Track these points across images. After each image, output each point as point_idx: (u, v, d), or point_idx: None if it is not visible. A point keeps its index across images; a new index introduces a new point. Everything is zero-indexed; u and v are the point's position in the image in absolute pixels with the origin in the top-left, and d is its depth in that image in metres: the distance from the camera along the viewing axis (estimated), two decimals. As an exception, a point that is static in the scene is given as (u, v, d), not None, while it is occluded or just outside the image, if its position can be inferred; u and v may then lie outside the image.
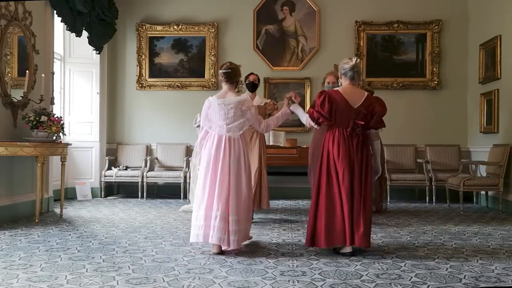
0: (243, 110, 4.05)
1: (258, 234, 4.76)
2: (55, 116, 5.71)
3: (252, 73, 5.93)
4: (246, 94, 4.56)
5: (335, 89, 4.03)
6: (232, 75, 4.15)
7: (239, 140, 4.05)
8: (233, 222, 3.87)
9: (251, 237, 4.34)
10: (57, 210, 6.20)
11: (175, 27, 8.40)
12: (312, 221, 3.88)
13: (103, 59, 8.12)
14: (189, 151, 7.84)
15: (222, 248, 3.93)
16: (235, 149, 4.01)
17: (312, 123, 4.03)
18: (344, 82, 4.01)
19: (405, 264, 3.55)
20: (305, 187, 7.37)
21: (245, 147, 4.12)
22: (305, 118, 4.13)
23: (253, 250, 4.03)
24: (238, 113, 4.03)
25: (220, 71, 4.20)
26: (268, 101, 5.68)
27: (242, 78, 5.02)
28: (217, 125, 4.06)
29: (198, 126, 6.46)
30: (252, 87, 5.74)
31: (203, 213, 3.91)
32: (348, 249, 3.83)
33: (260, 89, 8.03)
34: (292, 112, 4.29)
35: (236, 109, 4.03)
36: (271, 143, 7.55)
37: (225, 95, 4.14)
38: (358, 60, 3.99)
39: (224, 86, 4.18)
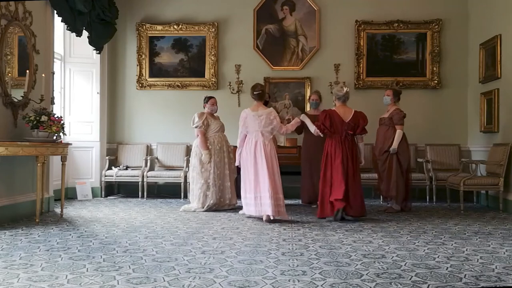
0: (271, 119, 5.63)
1: (259, 233, 4.76)
2: (55, 116, 5.71)
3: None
4: (272, 108, 5.95)
5: (332, 109, 5.80)
6: (262, 95, 5.80)
7: (270, 142, 5.61)
8: (280, 199, 5.48)
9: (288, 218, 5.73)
10: (58, 210, 6.20)
11: (175, 26, 8.40)
12: (321, 199, 5.63)
13: (103, 58, 8.12)
14: (189, 151, 7.83)
15: (271, 218, 5.41)
16: (267, 149, 5.55)
17: (320, 133, 5.73)
18: (337, 103, 5.78)
19: (406, 263, 3.56)
20: (305, 187, 7.36)
21: (274, 147, 5.68)
22: (313, 129, 5.74)
23: (253, 249, 4.03)
24: (268, 121, 5.62)
25: (254, 92, 5.74)
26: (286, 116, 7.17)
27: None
28: (253, 130, 5.62)
29: (197, 126, 6.50)
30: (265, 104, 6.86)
31: (253, 196, 5.51)
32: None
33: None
34: (302, 121, 5.93)
35: (266, 119, 5.62)
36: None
37: (257, 108, 5.71)
38: (348, 89, 5.77)
39: (255, 102, 5.75)
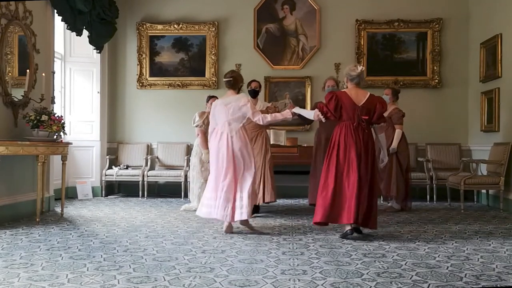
0: (240, 106, 4.77)
1: (259, 232, 4.76)
2: (55, 115, 5.71)
3: (254, 80, 6.27)
4: (244, 94, 5.02)
5: (343, 90, 4.76)
6: (233, 83, 4.90)
7: (239, 133, 4.75)
8: (239, 199, 4.66)
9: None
10: (58, 209, 6.20)
11: (175, 26, 8.39)
12: (320, 201, 4.50)
13: (104, 58, 8.12)
14: (189, 150, 7.83)
15: (231, 222, 4.76)
16: (233, 142, 4.72)
17: (321, 116, 4.68)
18: (349, 85, 4.72)
19: (406, 262, 3.55)
20: (305, 186, 7.37)
21: (245, 140, 4.77)
22: (312, 114, 4.80)
23: (254, 248, 4.03)
24: (236, 108, 4.77)
25: (224, 79, 4.97)
26: (269, 104, 6.08)
27: (245, 83, 5.46)
28: (222, 122, 4.80)
29: (197, 125, 6.49)
30: (254, 93, 6.11)
31: (213, 195, 4.73)
32: (347, 227, 4.45)
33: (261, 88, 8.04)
34: (293, 115, 4.89)
35: (234, 106, 4.78)
36: (271, 142, 7.53)
37: (227, 96, 4.90)
38: (363, 68, 4.71)
39: (228, 91, 4.94)
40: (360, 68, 4.62)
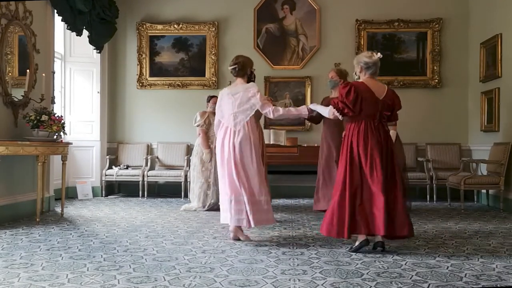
0: (249, 97, 4.29)
1: (259, 233, 4.76)
2: (55, 115, 5.71)
3: None
4: (254, 83, 4.54)
5: (359, 80, 4.05)
6: (240, 69, 4.38)
7: (246, 128, 4.24)
8: (248, 202, 4.18)
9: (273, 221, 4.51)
10: (58, 209, 6.20)
11: (175, 26, 8.39)
12: (337, 212, 3.85)
13: (104, 58, 8.12)
14: (189, 150, 7.84)
15: (242, 227, 4.34)
16: (239, 137, 4.23)
17: (337, 113, 3.99)
18: (363, 76, 4.02)
19: (406, 262, 3.55)
20: (305, 186, 7.39)
21: (253, 134, 4.28)
22: (327, 111, 4.13)
23: (254, 249, 4.03)
24: (244, 99, 4.29)
25: (229, 67, 4.46)
26: (265, 97, 5.74)
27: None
28: (228, 114, 4.33)
29: (198, 125, 6.49)
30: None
31: (226, 198, 4.29)
32: (362, 237, 3.87)
33: (261, 88, 8.04)
34: (311, 112, 4.37)
35: (242, 96, 4.29)
36: (271, 142, 7.54)
37: (235, 85, 4.42)
38: (380, 55, 4.01)
39: (236, 80, 4.44)
40: (377, 55, 3.97)
